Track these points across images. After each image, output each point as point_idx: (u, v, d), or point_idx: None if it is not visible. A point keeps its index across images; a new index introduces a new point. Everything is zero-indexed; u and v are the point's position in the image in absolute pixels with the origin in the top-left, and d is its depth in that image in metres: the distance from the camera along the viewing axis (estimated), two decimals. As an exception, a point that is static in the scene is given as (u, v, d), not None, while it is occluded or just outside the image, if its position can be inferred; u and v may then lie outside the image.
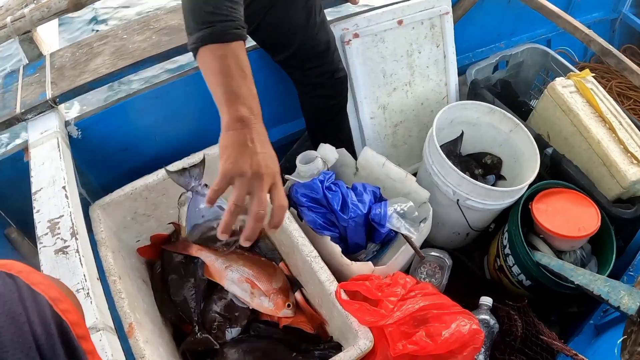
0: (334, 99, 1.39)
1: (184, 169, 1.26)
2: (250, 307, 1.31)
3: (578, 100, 1.55)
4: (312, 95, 1.36)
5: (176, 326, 1.37)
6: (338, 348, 1.22)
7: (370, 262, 1.17)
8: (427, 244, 1.45)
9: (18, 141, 1.68)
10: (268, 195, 0.76)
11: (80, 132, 1.35)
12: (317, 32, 1.28)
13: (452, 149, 1.47)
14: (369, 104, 1.55)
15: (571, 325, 1.44)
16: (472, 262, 1.56)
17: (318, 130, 1.46)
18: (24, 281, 0.45)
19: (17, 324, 0.42)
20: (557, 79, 1.57)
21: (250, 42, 1.47)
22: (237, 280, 1.28)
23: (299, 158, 1.29)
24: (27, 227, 1.44)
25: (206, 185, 1.24)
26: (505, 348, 1.31)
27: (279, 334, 1.30)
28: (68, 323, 0.46)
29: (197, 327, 1.30)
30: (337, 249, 1.17)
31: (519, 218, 1.38)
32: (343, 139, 1.47)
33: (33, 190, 1.14)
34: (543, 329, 1.31)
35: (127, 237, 1.38)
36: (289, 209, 1.20)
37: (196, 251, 1.33)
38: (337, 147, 1.33)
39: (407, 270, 1.40)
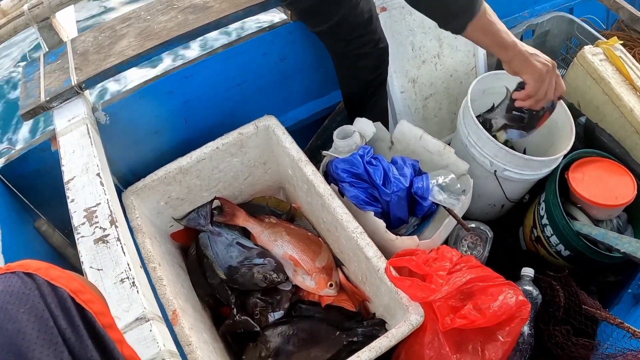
0: (377, 70, 1.36)
1: (192, 212, 1.34)
2: (293, 283, 1.30)
3: (608, 68, 1.53)
4: (354, 67, 1.33)
5: (213, 309, 1.36)
6: (382, 324, 1.22)
7: (415, 237, 1.15)
8: (462, 216, 1.44)
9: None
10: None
11: (108, 118, 1.32)
12: (360, 0, 1.25)
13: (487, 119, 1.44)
14: (398, 78, 1.52)
15: (609, 294, 1.44)
16: (507, 233, 1.54)
17: (358, 103, 1.43)
18: (43, 278, 0.45)
19: (41, 321, 0.42)
20: (585, 47, 1.55)
21: (281, 16, 1.45)
22: (281, 257, 1.27)
23: (336, 133, 1.27)
24: (57, 218, 1.42)
25: (217, 223, 1.26)
26: (548, 319, 1.30)
27: (321, 314, 1.29)
28: (92, 313, 0.46)
29: (235, 309, 1.29)
30: (381, 224, 1.15)
31: (556, 188, 1.36)
32: (381, 112, 1.44)
33: (65, 179, 1.11)
34: (585, 299, 1.30)
35: (161, 223, 1.36)
36: (329, 185, 1.18)
37: (243, 221, 1.33)
38: (373, 121, 1.31)
39: (445, 243, 1.38)
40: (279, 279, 1.26)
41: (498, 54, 1.08)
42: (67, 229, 1.45)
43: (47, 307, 0.43)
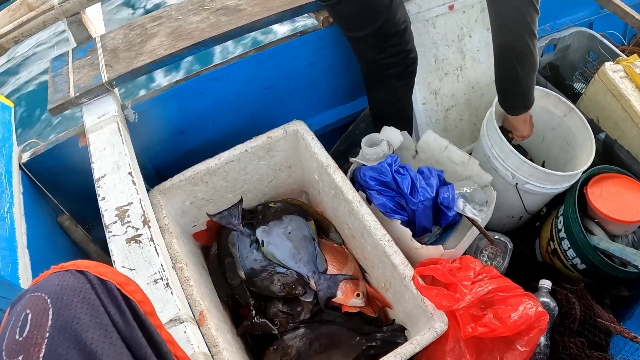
0: (406, 78, 1.38)
1: (224, 210, 1.36)
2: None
3: (628, 85, 1.55)
4: (384, 75, 1.35)
5: (232, 310, 1.37)
6: (401, 331, 1.23)
7: (440, 246, 1.17)
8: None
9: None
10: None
11: (137, 116, 1.32)
12: (398, 10, 1.27)
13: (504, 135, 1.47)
14: (421, 89, 1.54)
15: (622, 308, 1.46)
16: (523, 245, 1.57)
17: (384, 111, 1.45)
18: (93, 274, 0.51)
19: (93, 308, 0.48)
20: (606, 63, 1.57)
21: (313, 22, 1.46)
22: (307, 267, 1.28)
23: (364, 141, 1.28)
24: (80, 214, 1.42)
25: (246, 224, 1.28)
26: (564, 330, 1.32)
27: (341, 318, 1.30)
28: (136, 302, 0.53)
29: (253, 311, 1.30)
30: (407, 232, 1.17)
31: (575, 202, 1.38)
32: (405, 121, 1.46)
33: (96, 176, 1.11)
34: (601, 312, 1.33)
35: (185, 222, 1.36)
36: (357, 191, 1.19)
37: None
38: (398, 129, 1.32)
39: (465, 253, 1.40)
40: (296, 292, 1.26)
41: (517, 124, 1.43)
42: (89, 224, 1.46)
43: (97, 296, 0.50)
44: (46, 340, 0.45)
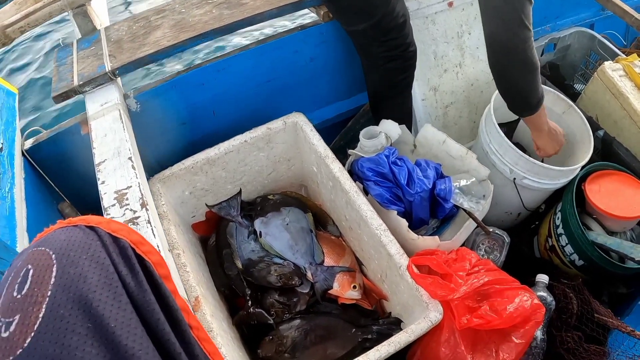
0: (405, 72, 1.39)
1: (223, 201, 1.37)
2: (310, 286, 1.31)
3: (627, 84, 1.56)
4: (384, 69, 1.36)
5: (229, 300, 1.37)
6: (397, 323, 1.23)
7: (436, 237, 1.17)
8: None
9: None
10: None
11: (139, 105, 1.34)
12: (397, 4, 1.29)
13: (508, 131, 1.48)
14: (420, 86, 1.55)
15: (620, 306, 1.46)
16: (522, 242, 1.57)
17: (383, 105, 1.46)
18: (104, 230, 0.47)
19: (102, 267, 0.44)
20: (606, 62, 1.58)
21: (313, 17, 1.48)
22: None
23: (362, 133, 1.29)
24: (81, 202, 1.44)
25: (245, 216, 1.29)
26: (561, 325, 1.32)
27: (338, 310, 1.31)
28: (151, 263, 0.48)
29: (250, 300, 1.30)
30: (404, 223, 1.17)
31: (573, 198, 1.39)
32: (404, 115, 1.47)
33: (96, 161, 1.12)
34: (598, 307, 1.33)
35: (184, 212, 1.38)
36: (354, 182, 1.20)
37: None
38: (397, 122, 1.34)
39: (463, 246, 1.40)
40: (293, 282, 1.27)
41: (532, 131, 1.35)
42: (89, 212, 1.47)
43: (108, 255, 0.45)
44: (47, 299, 0.40)
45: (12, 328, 0.39)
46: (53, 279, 0.41)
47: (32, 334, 0.39)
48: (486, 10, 1.14)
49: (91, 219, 0.48)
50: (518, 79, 1.20)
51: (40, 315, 0.40)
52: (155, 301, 0.46)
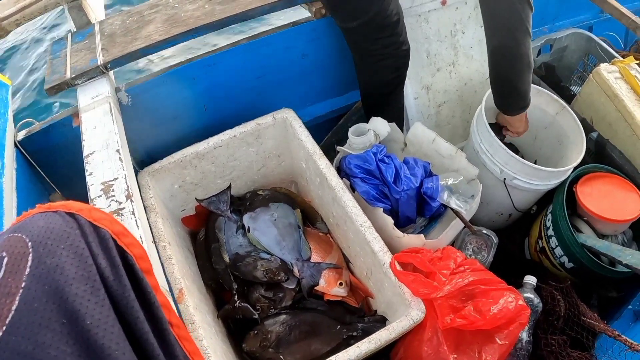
0: (397, 71, 1.39)
1: (213, 196, 1.37)
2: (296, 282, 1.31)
3: (623, 86, 1.55)
4: (376, 66, 1.36)
5: (216, 294, 1.38)
6: (382, 321, 1.23)
7: (422, 235, 1.17)
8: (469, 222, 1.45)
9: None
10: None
11: (130, 99, 1.35)
12: (391, 2, 1.29)
13: (498, 131, 1.47)
14: (412, 84, 1.55)
15: (610, 309, 1.44)
16: (513, 243, 1.56)
17: (375, 102, 1.46)
18: (85, 218, 0.45)
19: (81, 258, 0.42)
20: (601, 64, 1.57)
21: (306, 14, 1.48)
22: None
23: (351, 130, 1.29)
24: (72, 193, 1.44)
25: (234, 210, 1.29)
26: (547, 327, 1.31)
27: (323, 307, 1.31)
28: (133, 256, 0.46)
29: (236, 295, 1.30)
30: (389, 220, 1.17)
31: (564, 199, 1.38)
32: (397, 113, 1.47)
33: (85, 153, 1.13)
34: (585, 310, 1.31)
35: (173, 206, 1.38)
36: (341, 179, 1.20)
37: None
38: (389, 121, 1.33)
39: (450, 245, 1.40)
40: (279, 278, 1.27)
41: (509, 120, 1.42)
42: (79, 203, 1.48)
43: (87, 245, 0.43)
44: (21, 290, 0.38)
45: None
46: (28, 269, 0.39)
47: (4, 327, 0.37)
48: (492, 19, 1.19)
49: (72, 205, 0.46)
50: (518, 81, 1.26)
51: (13, 307, 0.37)
52: (135, 298, 0.44)
